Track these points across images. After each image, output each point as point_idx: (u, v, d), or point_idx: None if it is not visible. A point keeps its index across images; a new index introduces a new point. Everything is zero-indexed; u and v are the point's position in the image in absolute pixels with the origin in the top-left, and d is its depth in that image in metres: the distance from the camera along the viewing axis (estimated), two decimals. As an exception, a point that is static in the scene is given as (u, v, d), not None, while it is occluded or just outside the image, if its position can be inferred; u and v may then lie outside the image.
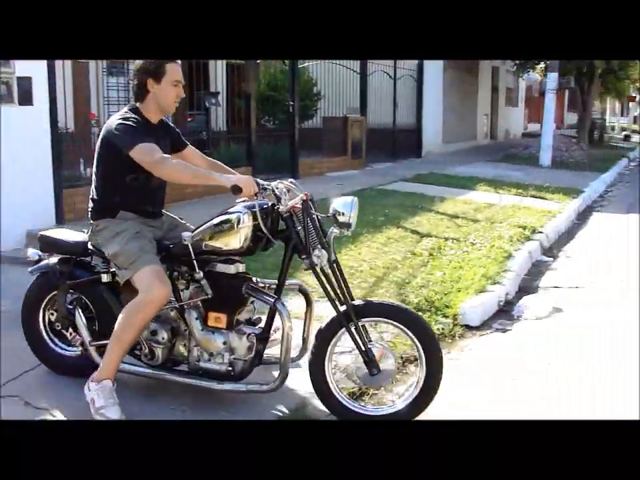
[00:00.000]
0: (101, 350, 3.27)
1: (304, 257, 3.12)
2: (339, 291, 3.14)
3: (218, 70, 11.48)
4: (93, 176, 3.37)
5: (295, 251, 3.19)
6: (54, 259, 3.49)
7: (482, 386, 3.63)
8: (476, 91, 18.85)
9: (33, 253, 3.56)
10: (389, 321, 3.18)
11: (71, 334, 3.49)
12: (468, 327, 4.50)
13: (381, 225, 6.64)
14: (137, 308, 3.17)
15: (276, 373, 3.15)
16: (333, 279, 3.15)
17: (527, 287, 5.56)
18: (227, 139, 10.28)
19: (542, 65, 17.93)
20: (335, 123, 11.91)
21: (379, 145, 12.85)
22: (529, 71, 19.34)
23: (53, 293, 3.52)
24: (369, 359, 3.09)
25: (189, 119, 10.46)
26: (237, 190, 2.98)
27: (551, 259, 6.51)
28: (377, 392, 3.43)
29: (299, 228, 3.12)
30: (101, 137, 3.30)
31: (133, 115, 3.23)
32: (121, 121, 3.20)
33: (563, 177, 11.71)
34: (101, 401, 3.18)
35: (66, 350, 3.60)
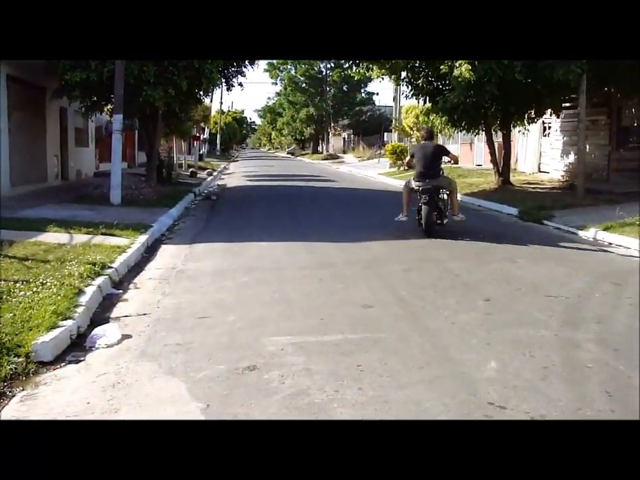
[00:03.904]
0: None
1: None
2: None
3: None
4: (431, 163, 10.99)
5: None
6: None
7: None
8: (44, 132, 18.57)
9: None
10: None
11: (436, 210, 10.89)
12: (42, 363, 4.71)
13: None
14: (457, 192, 11.78)
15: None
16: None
17: (99, 319, 5.92)
18: None
19: (109, 106, 18.33)
20: None
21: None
22: (98, 112, 19.63)
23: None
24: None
25: None
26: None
27: (121, 291, 6.99)
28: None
29: None
30: (439, 151, 11.43)
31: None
32: (444, 146, 12.56)
33: (133, 214, 12.33)
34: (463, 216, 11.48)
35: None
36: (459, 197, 12.25)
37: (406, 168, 15.70)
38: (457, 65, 16.02)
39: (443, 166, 11.75)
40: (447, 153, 11.58)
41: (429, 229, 10.50)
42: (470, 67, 15.50)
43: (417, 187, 10.77)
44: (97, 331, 5.45)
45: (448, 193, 11.25)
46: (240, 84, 21.81)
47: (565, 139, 22.05)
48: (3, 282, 6.17)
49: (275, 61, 67.18)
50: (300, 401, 4.04)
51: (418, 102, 23.20)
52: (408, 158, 12.23)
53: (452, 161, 12.67)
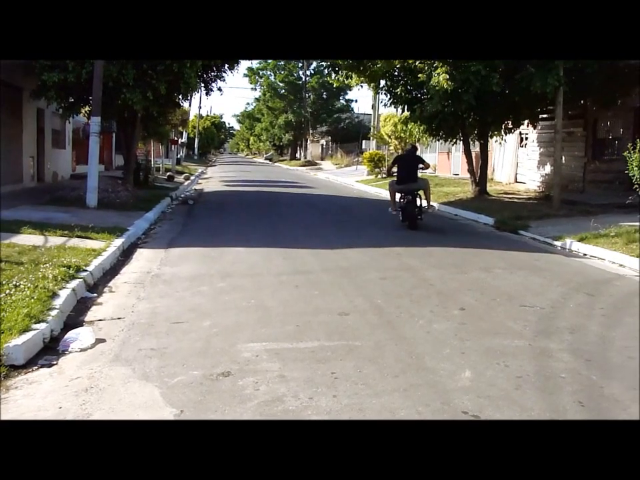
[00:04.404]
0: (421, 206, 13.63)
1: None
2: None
3: None
4: (411, 170, 13.60)
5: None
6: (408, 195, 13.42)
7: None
8: (21, 133, 18.37)
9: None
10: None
11: (417, 208, 13.49)
12: (14, 367, 4.65)
13: None
14: (430, 190, 14.19)
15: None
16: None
17: (73, 322, 5.85)
18: None
19: (87, 108, 18.15)
20: None
21: None
22: (75, 114, 19.45)
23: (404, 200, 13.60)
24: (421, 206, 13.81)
25: None
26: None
27: (96, 294, 6.93)
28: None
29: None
30: (417, 159, 14.04)
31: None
32: (419, 156, 14.69)
33: (109, 217, 12.25)
34: (434, 207, 15.80)
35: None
36: (435, 205, 14.56)
37: (385, 175, 18.82)
38: (435, 74, 16.14)
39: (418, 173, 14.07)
40: (422, 161, 14.26)
41: (411, 223, 13.13)
42: (447, 77, 15.62)
43: (401, 190, 13.60)
44: (71, 334, 5.39)
45: (424, 191, 13.81)
46: (219, 88, 21.98)
47: (541, 149, 22.29)
48: (-25, 284, 6.08)
49: (254, 67, 67.22)
50: (274, 408, 4.03)
51: (396, 110, 23.34)
52: (389, 165, 15.63)
53: (424, 167, 14.57)
